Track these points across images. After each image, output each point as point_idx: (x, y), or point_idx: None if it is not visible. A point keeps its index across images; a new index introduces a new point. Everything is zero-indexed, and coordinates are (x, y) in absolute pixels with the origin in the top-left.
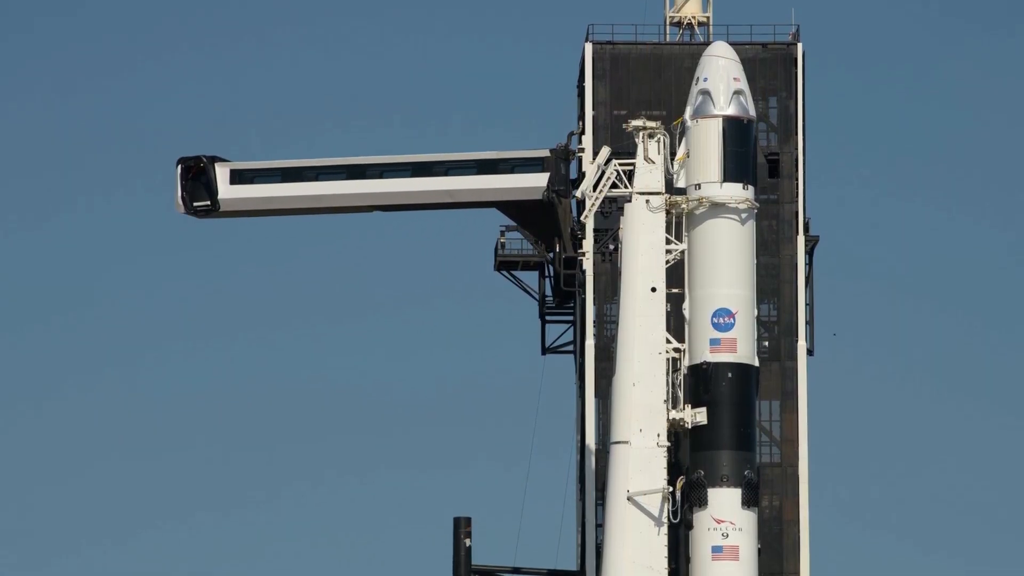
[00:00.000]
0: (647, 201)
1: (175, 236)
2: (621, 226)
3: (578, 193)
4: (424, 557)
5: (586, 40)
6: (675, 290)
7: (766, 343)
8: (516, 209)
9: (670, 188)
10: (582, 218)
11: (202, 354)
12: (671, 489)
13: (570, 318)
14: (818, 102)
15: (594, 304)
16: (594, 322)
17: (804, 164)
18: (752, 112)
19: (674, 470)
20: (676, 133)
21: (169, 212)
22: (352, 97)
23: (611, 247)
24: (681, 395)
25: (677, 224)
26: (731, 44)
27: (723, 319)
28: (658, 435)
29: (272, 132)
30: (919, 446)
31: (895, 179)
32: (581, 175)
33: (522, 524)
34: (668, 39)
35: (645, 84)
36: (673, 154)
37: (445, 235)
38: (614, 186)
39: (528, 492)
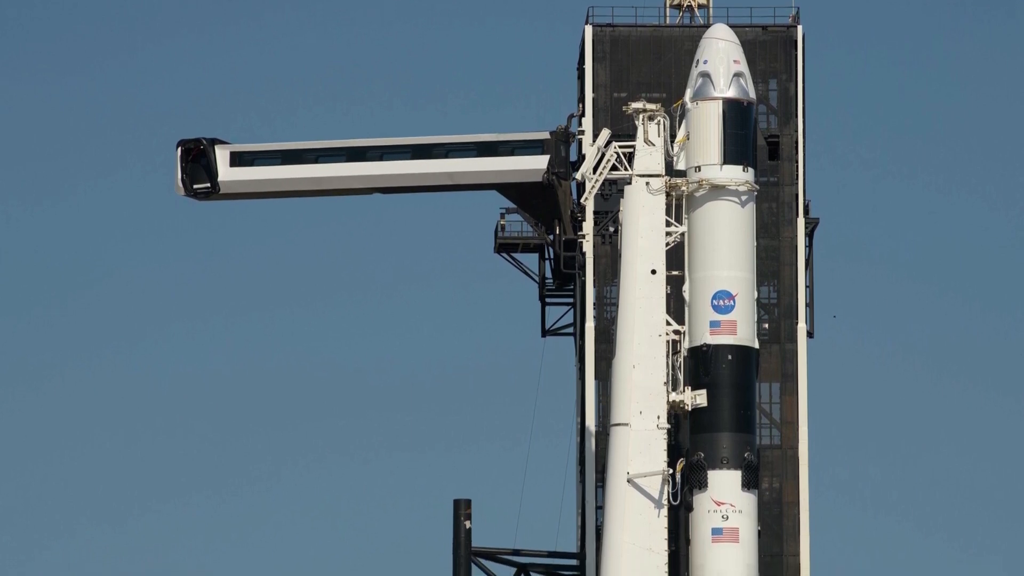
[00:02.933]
0: (647, 183)
1: (175, 218)
2: (621, 208)
3: (578, 175)
4: (424, 539)
5: (586, 22)
6: (675, 272)
7: (766, 325)
8: (516, 191)
9: (670, 170)
10: (582, 200)
11: (202, 336)
12: (671, 471)
13: (570, 300)
14: (818, 84)
15: (594, 286)
16: (594, 304)
17: (804, 146)
18: (752, 94)
19: (674, 452)
20: (676, 115)
21: (169, 194)
22: (352, 79)
23: (611, 229)
24: (681, 377)
25: (677, 206)
26: (731, 26)
27: (723, 301)
28: (658, 417)
29: (272, 114)
30: (919, 428)
31: (895, 161)
32: (581, 157)
33: (522, 506)
34: (668, 21)
35: (645, 66)
36: (673, 136)
37: (445, 217)
38: (614, 168)
39: (528, 474)
